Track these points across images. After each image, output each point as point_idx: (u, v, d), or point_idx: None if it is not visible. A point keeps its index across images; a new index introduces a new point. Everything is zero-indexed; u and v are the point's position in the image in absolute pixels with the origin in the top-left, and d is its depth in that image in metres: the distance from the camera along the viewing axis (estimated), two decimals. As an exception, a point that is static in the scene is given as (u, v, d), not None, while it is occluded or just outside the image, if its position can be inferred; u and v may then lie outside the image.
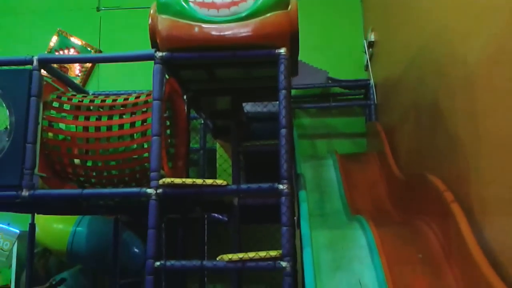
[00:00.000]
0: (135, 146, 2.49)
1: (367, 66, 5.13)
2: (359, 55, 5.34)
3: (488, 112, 2.17)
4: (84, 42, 6.06)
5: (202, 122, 4.07)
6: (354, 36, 5.50)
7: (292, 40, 2.43)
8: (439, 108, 2.83)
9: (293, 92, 5.32)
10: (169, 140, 2.80)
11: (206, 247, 3.80)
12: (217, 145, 4.11)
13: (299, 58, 5.16)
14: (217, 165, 4.06)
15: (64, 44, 6.12)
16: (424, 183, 2.73)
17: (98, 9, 6.32)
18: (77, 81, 5.93)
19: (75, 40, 6.07)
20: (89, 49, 6.04)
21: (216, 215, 3.84)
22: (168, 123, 2.80)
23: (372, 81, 4.93)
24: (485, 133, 2.20)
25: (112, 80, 5.70)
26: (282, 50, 2.35)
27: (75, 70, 6.08)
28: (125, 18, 5.94)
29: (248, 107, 4.23)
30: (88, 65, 5.99)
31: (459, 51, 2.51)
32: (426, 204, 2.74)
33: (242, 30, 2.32)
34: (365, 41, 5.13)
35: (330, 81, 5.25)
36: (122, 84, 5.38)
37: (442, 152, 2.79)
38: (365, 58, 5.14)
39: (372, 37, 4.90)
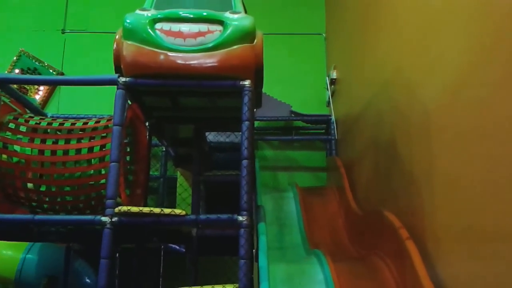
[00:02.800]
0: (92, 171, 2.43)
1: (328, 102, 5.26)
2: (322, 91, 5.48)
3: (442, 152, 2.25)
4: (46, 64, 5.94)
5: (164, 149, 4.02)
6: (317, 72, 5.66)
7: (256, 72, 2.47)
8: (396, 146, 2.92)
9: (256, 123, 5.37)
10: (128, 167, 2.75)
11: (161, 279, 3.69)
12: (178, 174, 4.06)
13: (263, 90, 5.27)
14: (177, 194, 4.00)
15: (25, 64, 5.98)
16: (380, 219, 2.77)
17: (63, 31, 6.24)
18: (37, 103, 5.79)
19: (37, 61, 5.94)
20: (51, 70, 5.92)
21: (174, 246, 3.74)
22: (128, 149, 2.75)
23: (333, 117, 5.04)
24: (439, 172, 2.28)
25: (72, 103, 5.58)
26: (247, 82, 2.38)
27: (35, 92, 5.93)
28: (90, 41, 5.88)
29: (210, 136, 4.23)
30: (49, 86, 5.87)
31: (416, 93, 2.62)
32: (382, 240, 2.77)
33: (208, 60, 2.34)
34: (327, 77, 5.28)
35: (292, 115, 5.34)
36: (83, 107, 5.27)
37: (398, 189, 2.85)
38: (327, 94, 5.27)
39: (334, 75, 5.05)
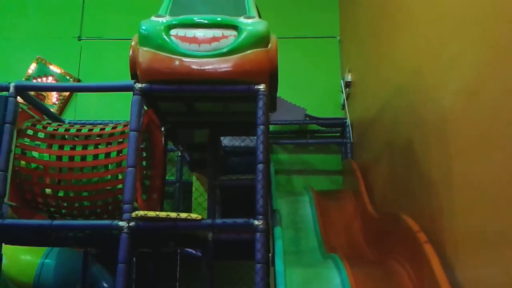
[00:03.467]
0: (109, 177, 2.45)
1: (343, 105, 5.24)
2: (337, 94, 5.46)
3: (460, 155, 2.22)
4: (63, 71, 6.03)
5: (179, 154, 4.05)
6: (332, 75, 5.64)
7: (271, 77, 2.47)
8: (413, 149, 2.89)
9: (271, 127, 5.37)
10: (144, 172, 2.77)
11: (178, 283, 3.71)
12: (194, 178, 4.08)
13: (278, 94, 5.28)
14: (193, 198, 4.01)
15: (42, 71, 6.08)
16: (398, 223, 2.74)
17: (79, 39, 6.33)
18: (54, 109, 5.87)
19: (54, 68, 6.03)
20: (68, 77, 6.00)
21: (190, 250, 3.76)
22: (144, 154, 2.77)
23: (348, 120, 5.01)
24: (458, 176, 2.25)
25: (89, 110, 5.66)
26: (261, 87, 2.38)
27: (52, 98, 6.02)
28: (106, 48, 5.96)
29: (225, 141, 4.24)
30: (66, 93, 5.95)
31: (433, 95, 2.59)
32: (400, 244, 2.75)
33: (223, 65, 2.36)
34: (342, 80, 5.26)
35: (307, 118, 5.33)
36: (99, 114, 5.34)
37: (415, 192, 2.82)
38: (342, 97, 5.25)
39: (349, 77, 5.02)
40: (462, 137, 2.21)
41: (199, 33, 2.39)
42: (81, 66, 6.11)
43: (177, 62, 2.34)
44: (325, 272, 2.75)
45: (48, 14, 6.36)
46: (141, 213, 2.18)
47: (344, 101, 5.20)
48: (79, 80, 5.91)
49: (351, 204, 4.27)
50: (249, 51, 2.38)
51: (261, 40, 2.41)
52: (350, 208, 4.24)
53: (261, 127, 2.34)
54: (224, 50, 2.36)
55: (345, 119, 5.10)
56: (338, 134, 5.36)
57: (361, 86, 4.69)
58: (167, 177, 4.49)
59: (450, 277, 2.21)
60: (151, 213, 2.18)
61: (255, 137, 2.36)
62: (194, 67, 2.34)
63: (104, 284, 4.14)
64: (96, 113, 5.38)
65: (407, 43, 3.10)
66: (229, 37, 2.38)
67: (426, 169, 2.67)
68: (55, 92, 5.95)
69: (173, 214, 2.19)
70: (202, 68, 2.34)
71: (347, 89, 5.11)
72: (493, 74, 1.90)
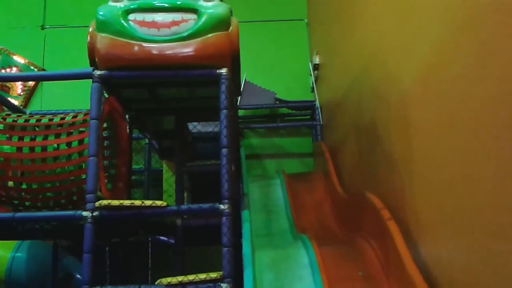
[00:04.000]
0: (71, 167, 2.41)
1: (313, 87, 5.26)
2: (306, 77, 5.48)
3: (420, 131, 2.27)
4: (27, 61, 5.87)
5: (147, 142, 4.00)
6: (301, 58, 5.65)
7: (233, 60, 2.45)
8: (376, 129, 2.93)
9: (241, 112, 5.37)
10: (109, 161, 2.73)
11: (150, 271, 3.70)
12: (164, 166, 4.05)
13: (248, 78, 5.26)
14: (164, 186, 3.99)
15: (6, 62, 5.90)
16: (364, 202, 2.79)
17: (42, 27, 6.16)
18: (20, 100, 5.73)
19: (18, 59, 5.86)
20: (32, 67, 5.85)
21: (162, 238, 3.75)
22: (108, 143, 2.73)
23: (317, 102, 5.04)
24: (417, 151, 2.30)
25: (55, 100, 5.52)
26: (223, 70, 2.37)
27: (17, 90, 5.87)
28: (71, 36, 5.81)
29: (199, 127, 4.22)
30: (31, 84, 5.80)
31: (394, 73, 2.62)
32: (366, 222, 2.80)
33: (183, 50, 2.33)
34: (310, 63, 5.27)
35: (277, 102, 5.34)
36: (66, 103, 5.21)
37: (380, 171, 2.87)
38: (311, 80, 5.27)
39: (317, 60, 5.04)
40: (421, 116, 2.25)
41: (158, 17, 2.35)
42: (46, 56, 5.96)
43: (136, 48, 2.30)
44: (294, 252, 2.79)
45: (9, 3, 6.16)
46: (104, 202, 2.15)
47: (313, 83, 5.22)
48: (44, 70, 5.77)
49: (321, 185, 4.33)
50: (209, 35, 2.35)
51: (221, 24, 2.39)
52: (320, 190, 4.30)
53: (224, 111, 2.33)
54: (184, 34, 2.33)
55: (315, 101, 5.13)
56: (308, 117, 5.39)
57: (329, 69, 4.72)
58: (136, 166, 4.47)
59: (413, 252, 2.27)
60: (115, 202, 2.16)
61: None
62: (154, 52, 2.31)
63: (78, 276, 4.10)
64: (62, 103, 5.24)
65: (369, 24, 3.12)
66: (189, 21, 2.35)
67: (388, 148, 2.72)
68: (20, 83, 5.80)
69: (137, 202, 2.18)
70: (162, 53, 2.31)
71: (316, 71, 5.13)
72: (450, 52, 1.93)
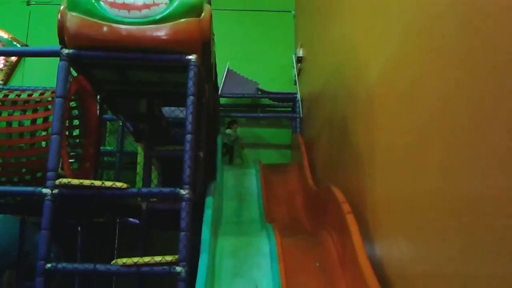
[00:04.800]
0: (35, 144, 2.42)
1: (295, 80, 5.27)
2: (290, 69, 5.49)
3: (382, 127, 2.30)
4: (10, 36, 5.82)
5: (121, 124, 4.00)
6: (285, 50, 5.64)
7: (204, 47, 2.46)
8: (346, 124, 2.96)
9: (223, 100, 5.37)
10: (77, 140, 2.74)
11: (116, 252, 3.72)
12: (139, 149, 4.05)
13: (231, 67, 5.26)
14: (137, 169, 4.00)
15: (-14, 36, 5.84)
16: (329, 195, 2.83)
17: (28, 3, 6.10)
18: (1, 75, 5.70)
19: (1, 33, 5.81)
20: (15, 43, 5.80)
21: (132, 220, 3.76)
22: (77, 122, 2.74)
23: (298, 95, 5.06)
24: (378, 148, 2.33)
25: (36, 76, 5.47)
26: (193, 57, 2.37)
27: (-1, 64, 5.82)
28: (56, 14, 5.73)
29: (177, 112, 4.22)
30: (13, 59, 5.76)
31: (363, 72, 2.65)
32: (329, 215, 2.84)
33: (153, 33, 2.33)
34: (293, 56, 5.28)
35: (259, 92, 5.35)
36: (47, 80, 5.17)
37: (347, 165, 2.91)
38: (294, 72, 5.28)
39: (300, 53, 5.05)
40: (383, 111, 2.28)
41: (130, -1, 2.34)
42: (30, 32, 5.91)
43: (105, 28, 2.30)
44: (257, 240, 2.82)
45: (-5, -21, 6.09)
46: (64, 180, 2.16)
47: (295, 76, 5.24)
48: (26, 45, 5.71)
49: (295, 177, 4.36)
50: (180, 20, 2.35)
51: (193, 9, 2.39)
52: (294, 182, 4.33)
53: (191, 97, 2.34)
54: (155, 18, 2.33)
55: (296, 94, 5.14)
56: (290, 109, 5.41)
57: (311, 62, 4.73)
58: (110, 148, 4.47)
59: (370, 247, 2.32)
60: (75, 181, 2.17)
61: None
62: (123, 34, 2.31)
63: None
64: (43, 79, 5.20)
65: (346, 21, 3.14)
66: (160, 5, 2.35)
67: (355, 142, 2.75)
68: (1, 58, 5.75)
69: (97, 182, 2.19)
70: (131, 35, 2.31)
71: (299, 64, 5.14)
72: (413, 49, 1.95)
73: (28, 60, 5.76)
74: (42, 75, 5.42)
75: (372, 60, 2.48)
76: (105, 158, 4.64)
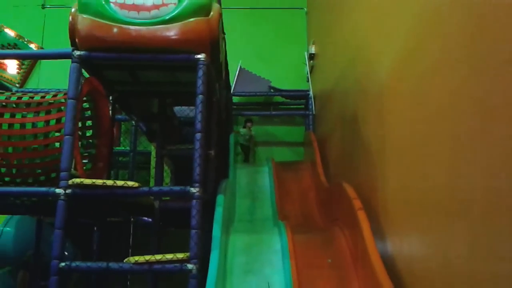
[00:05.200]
0: (49, 145, 2.46)
1: (308, 77, 5.26)
2: (302, 66, 5.47)
3: (392, 123, 2.29)
4: (26, 39, 5.92)
5: (134, 124, 4.04)
6: (298, 47, 5.63)
7: (212, 46, 2.47)
8: (358, 121, 2.95)
9: (235, 99, 5.39)
10: (90, 141, 2.78)
11: (130, 249, 3.77)
12: (152, 148, 4.09)
13: (243, 66, 5.27)
14: (151, 168, 4.04)
15: (5, 40, 5.93)
16: (340, 191, 2.82)
17: (43, 7, 6.20)
18: (17, 78, 5.81)
19: (17, 37, 5.91)
20: (31, 46, 5.90)
21: (146, 219, 3.81)
22: (90, 123, 2.78)
23: (311, 92, 5.05)
24: (389, 143, 2.32)
25: (52, 78, 5.55)
26: (201, 56, 2.39)
27: (15, 67, 5.93)
28: (70, 16, 5.82)
29: (188, 111, 4.25)
30: (28, 62, 5.86)
31: (374, 67, 2.63)
32: (341, 212, 2.84)
33: (162, 34, 2.35)
34: (306, 53, 5.27)
35: (272, 90, 5.35)
36: (62, 82, 5.26)
37: (359, 162, 2.90)
38: (306, 69, 5.27)
39: (313, 50, 5.04)
40: (394, 108, 2.27)
41: (139, 0, 2.37)
42: (45, 35, 6.01)
43: (115, 30, 2.33)
44: (268, 238, 2.83)
45: (11, -17, 6.20)
46: (77, 180, 2.20)
47: (307, 73, 5.23)
48: (41, 48, 5.80)
49: (308, 175, 4.36)
50: (189, 20, 2.37)
51: (201, 9, 2.40)
52: (307, 179, 4.33)
53: (200, 96, 2.36)
54: (164, 18, 2.35)
55: (309, 91, 5.13)
56: (303, 106, 5.40)
57: (323, 59, 4.71)
58: (123, 148, 4.52)
59: (381, 243, 2.31)
60: (87, 181, 2.21)
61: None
62: (133, 34, 2.33)
63: (65, 253, 4.18)
64: (58, 81, 5.28)
65: (356, 17, 3.12)
66: (169, 5, 2.37)
67: (366, 139, 2.74)
68: (15, 61, 5.86)
69: (109, 182, 2.22)
70: (141, 36, 2.33)
71: (311, 61, 5.13)
72: (421, 44, 1.94)
73: (44, 63, 5.86)
74: (58, 78, 5.50)
75: (383, 55, 2.46)
76: (120, 158, 4.70)
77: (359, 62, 3.00)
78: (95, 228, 3.76)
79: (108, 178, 2.87)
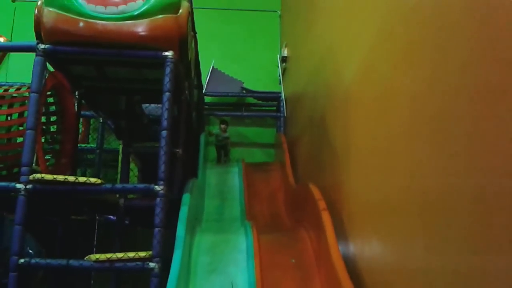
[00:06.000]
0: (11, 139, 2.41)
1: (280, 79, 5.29)
2: (275, 69, 5.50)
3: (357, 126, 2.32)
4: (-5, 34, 5.78)
5: (101, 121, 3.98)
6: (272, 50, 5.65)
7: (181, 44, 2.46)
8: (326, 123, 2.98)
9: (207, 99, 5.38)
10: (54, 136, 2.73)
11: (95, 248, 3.71)
12: (120, 147, 4.04)
13: (216, 66, 5.26)
14: (119, 166, 3.98)
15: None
16: (306, 192, 2.85)
17: (13, 0, 6.06)
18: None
19: (-13, 31, 5.76)
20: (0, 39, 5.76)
21: (112, 217, 3.76)
22: (54, 118, 2.73)
23: (283, 94, 5.08)
24: (353, 146, 2.36)
25: (21, 72, 5.42)
26: (169, 53, 2.38)
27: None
28: (41, 10, 5.70)
29: (159, 109, 4.21)
30: (-4, 55, 5.72)
31: (341, 71, 2.67)
32: (307, 212, 2.86)
33: (129, 29, 2.33)
34: (278, 55, 5.30)
35: (244, 91, 5.36)
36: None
37: (326, 164, 2.93)
38: (278, 71, 5.30)
39: (285, 52, 5.07)
40: (358, 110, 2.30)
41: (107, -5, 2.34)
42: (15, 28, 5.87)
43: (81, 24, 2.30)
44: (234, 238, 2.83)
45: (-21, -24, 6.04)
46: (38, 175, 2.16)
47: (280, 75, 5.26)
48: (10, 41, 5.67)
49: (278, 176, 4.38)
50: (157, 17, 2.36)
51: (170, 6, 2.40)
52: (276, 180, 4.35)
53: (167, 94, 2.35)
54: (132, 14, 2.33)
55: (281, 93, 5.16)
56: (275, 108, 5.42)
57: (295, 62, 4.75)
58: (92, 145, 4.46)
59: (344, 243, 2.34)
60: (49, 176, 2.17)
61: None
62: (99, 29, 2.30)
63: (29, 250, 4.09)
64: (27, 75, 5.17)
65: (327, 21, 3.16)
66: (137, 1, 2.35)
67: (332, 141, 2.78)
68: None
69: (71, 178, 2.19)
70: (108, 31, 2.31)
71: (284, 63, 5.16)
72: (384, 49, 1.98)
73: (12, 56, 5.72)
74: (26, 71, 5.40)
75: (349, 58, 2.50)
76: (88, 156, 4.62)
77: (327, 65, 3.04)
78: (59, 226, 3.69)
79: (73, 175, 2.82)
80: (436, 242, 1.41)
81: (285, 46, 5.10)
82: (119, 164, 3.96)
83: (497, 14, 1.09)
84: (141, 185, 2.26)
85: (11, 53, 5.62)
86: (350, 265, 2.19)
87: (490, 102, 1.10)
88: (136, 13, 2.34)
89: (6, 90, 2.46)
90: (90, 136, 4.58)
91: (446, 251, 1.34)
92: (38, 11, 2.41)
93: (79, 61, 2.57)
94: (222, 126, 4.83)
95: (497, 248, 1.06)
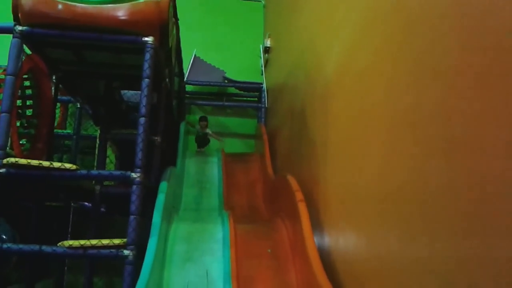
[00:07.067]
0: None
1: (262, 70, 5.28)
2: (257, 59, 5.48)
3: (335, 118, 2.33)
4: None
5: (79, 106, 3.92)
6: (255, 40, 5.63)
7: (161, 30, 2.43)
8: (305, 114, 3.00)
9: (189, 88, 5.34)
10: (30, 120, 2.68)
11: (69, 235, 3.67)
12: (98, 133, 3.98)
13: (198, 54, 5.21)
14: (96, 153, 3.94)
15: None
16: (284, 183, 2.87)
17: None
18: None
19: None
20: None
21: (87, 204, 3.71)
22: (30, 102, 2.67)
23: (264, 85, 5.08)
24: (332, 138, 2.37)
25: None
26: (149, 39, 2.35)
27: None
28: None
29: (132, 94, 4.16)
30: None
31: (322, 62, 2.68)
32: (284, 203, 2.88)
33: (109, 13, 2.29)
34: (261, 46, 5.28)
35: (226, 81, 5.33)
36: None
37: (304, 155, 2.95)
38: (261, 62, 5.29)
39: (268, 43, 5.06)
40: (337, 102, 2.32)
41: (87, -23, 2.30)
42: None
43: (60, 6, 2.25)
44: (211, 227, 2.84)
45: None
46: (12, 160, 2.12)
47: (262, 66, 5.25)
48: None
49: (257, 167, 4.40)
50: (138, 1, 2.32)
51: (151, -9, 2.36)
52: (255, 171, 4.36)
53: (146, 80, 2.32)
54: (112, -3, 2.29)
55: (262, 84, 5.15)
56: (256, 99, 5.42)
57: (277, 52, 4.75)
58: (69, 131, 4.39)
59: (320, 235, 2.36)
60: (23, 161, 2.13)
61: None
62: (78, 12, 2.26)
63: (3, 236, 4.02)
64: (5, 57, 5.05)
65: (308, 11, 3.16)
66: (118, -15, 2.31)
67: (311, 133, 2.79)
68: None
69: (46, 163, 2.15)
70: (87, 14, 2.27)
71: (266, 54, 5.15)
72: (363, 40, 1.98)
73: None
74: (3, 53, 5.27)
75: (330, 49, 2.50)
76: (66, 142, 4.55)
77: (308, 58, 3.04)
78: (33, 212, 3.64)
79: (49, 160, 2.77)
80: (409, 232, 1.44)
81: (268, 37, 5.09)
82: (96, 151, 3.91)
83: (483, 5, 1.10)
84: (117, 172, 2.24)
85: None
86: (325, 255, 2.22)
87: (466, 95, 1.12)
88: (116, -3, 2.31)
89: (-20, 72, 2.39)
90: (67, 122, 4.51)
91: (419, 241, 1.37)
92: (15, -9, 2.35)
93: (57, 45, 2.52)
94: (201, 123, 4.79)
95: (471, 236, 1.08)
